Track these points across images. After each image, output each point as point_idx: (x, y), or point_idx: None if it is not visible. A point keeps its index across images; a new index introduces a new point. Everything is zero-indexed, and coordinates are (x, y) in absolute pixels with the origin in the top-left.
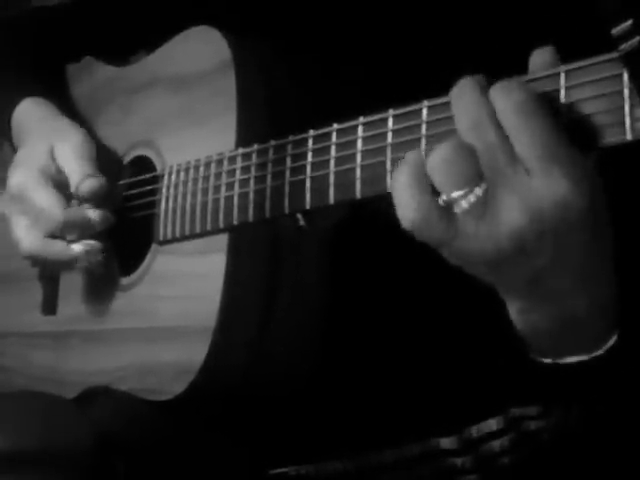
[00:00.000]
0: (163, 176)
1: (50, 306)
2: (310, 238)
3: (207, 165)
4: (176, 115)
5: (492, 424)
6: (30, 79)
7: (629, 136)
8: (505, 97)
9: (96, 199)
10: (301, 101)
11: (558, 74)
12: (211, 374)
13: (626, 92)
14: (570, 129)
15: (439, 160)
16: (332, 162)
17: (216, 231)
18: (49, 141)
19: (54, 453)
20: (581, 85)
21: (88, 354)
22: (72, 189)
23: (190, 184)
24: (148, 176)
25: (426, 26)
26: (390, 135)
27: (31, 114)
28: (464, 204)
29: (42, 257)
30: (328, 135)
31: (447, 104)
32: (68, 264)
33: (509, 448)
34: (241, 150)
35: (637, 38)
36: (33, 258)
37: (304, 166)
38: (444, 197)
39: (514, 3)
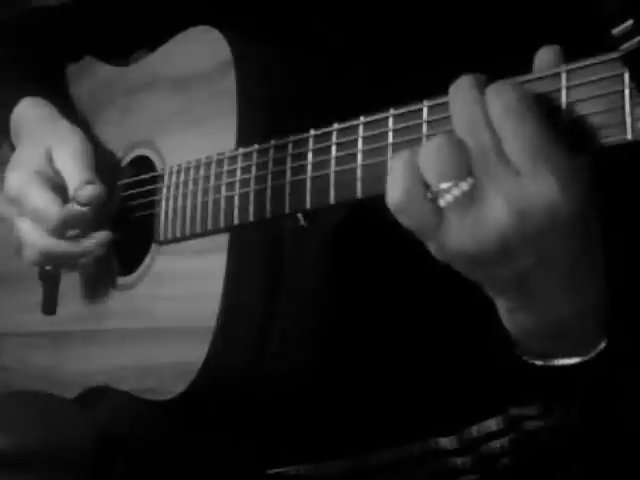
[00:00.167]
0: (163, 176)
1: (50, 306)
2: (311, 238)
3: (207, 165)
4: (176, 115)
5: (492, 424)
6: (30, 79)
7: (630, 136)
8: (496, 98)
9: (94, 205)
10: (301, 101)
11: (559, 74)
12: (211, 374)
13: (627, 92)
14: (570, 129)
15: (430, 149)
16: (333, 162)
17: (217, 231)
18: (47, 143)
19: (54, 453)
20: (582, 85)
21: (88, 354)
22: (70, 194)
23: (190, 184)
24: (148, 176)
25: (426, 27)
26: (391, 135)
27: (29, 114)
28: (448, 197)
29: (46, 256)
30: (329, 135)
31: (447, 104)
32: (75, 260)
33: (509, 448)
34: (242, 150)
35: (638, 38)
36: (40, 257)
37: (305, 166)
38: (432, 188)
39: (516, 3)
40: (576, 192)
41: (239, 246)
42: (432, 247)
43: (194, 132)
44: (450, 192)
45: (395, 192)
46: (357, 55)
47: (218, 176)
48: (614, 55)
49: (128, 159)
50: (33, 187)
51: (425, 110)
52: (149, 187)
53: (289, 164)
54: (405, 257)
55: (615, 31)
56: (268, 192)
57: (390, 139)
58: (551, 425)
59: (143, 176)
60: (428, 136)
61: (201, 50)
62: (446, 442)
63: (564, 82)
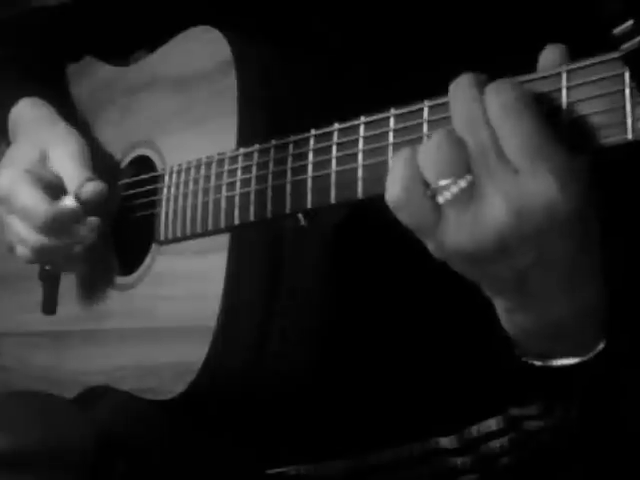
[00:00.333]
0: (164, 176)
1: (50, 305)
2: (311, 238)
3: (208, 165)
4: (177, 115)
5: (492, 424)
6: (30, 79)
7: (630, 136)
8: (495, 96)
9: (97, 203)
10: (302, 101)
11: (559, 74)
12: (211, 374)
13: (627, 92)
14: (570, 129)
15: (429, 147)
16: (333, 162)
17: (217, 231)
18: (43, 144)
19: (54, 453)
20: (582, 85)
21: (88, 354)
22: (71, 194)
23: (191, 184)
24: (148, 176)
25: (427, 27)
26: (391, 135)
27: (27, 114)
28: (447, 194)
29: (40, 252)
30: (329, 135)
31: (448, 104)
32: (68, 253)
33: (509, 448)
34: (242, 150)
35: (638, 38)
36: (31, 254)
37: (305, 166)
38: (431, 185)
39: (517, 3)
40: (575, 192)
41: (239, 246)
42: (430, 245)
43: (194, 132)
44: (449, 189)
45: (394, 189)
46: (357, 55)
47: (219, 176)
48: (615, 55)
49: (128, 159)
50: (23, 185)
51: (426, 110)
52: (149, 187)
53: (290, 164)
54: (405, 257)
55: (616, 31)
56: (269, 192)
57: (391, 139)
58: (551, 425)
59: (143, 176)
60: (429, 136)
61: (201, 50)
62: (446, 442)
63: (564, 82)
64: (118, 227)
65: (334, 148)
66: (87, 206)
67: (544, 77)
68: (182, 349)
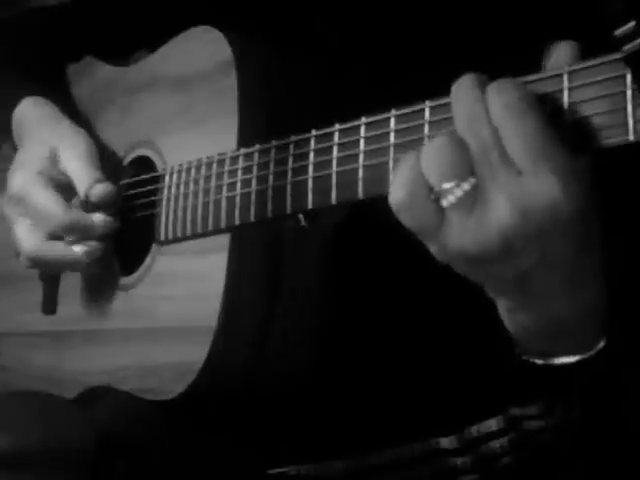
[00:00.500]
0: (164, 176)
1: (50, 305)
2: (312, 238)
3: (208, 165)
4: (177, 115)
5: (492, 424)
6: (30, 79)
7: (632, 137)
8: (497, 95)
9: (106, 204)
10: (302, 101)
11: (561, 75)
12: (212, 374)
13: (629, 93)
14: (572, 130)
15: (432, 149)
16: (334, 162)
17: (218, 231)
18: (51, 144)
19: (54, 453)
20: (584, 86)
21: (88, 354)
22: (81, 194)
23: (191, 184)
24: (149, 176)
25: (427, 27)
26: (392, 135)
27: (31, 113)
28: (451, 197)
29: (43, 258)
30: (330, 135)
31: (449, 104)
32: (68, 265)
33: (509, 448)
34: (243, 150)
35: None
36: (34, 260)
37: (306, 166)
38: (434, 189)
39: (519, 4)
40: (577, 192)
41: (240, 246)
42: (433, 248)
43: (195, 132)
44: (452, 193)
45: (397, 193)
46: (357, 55)
47: (219, 176)
48: (616, 56)
49: (129, 159)
50: (37, 187)
51: (427, 111)
52: (150, 187)
53: (291, 164)
54: (406, 257)
55: (617, 32)
56: (269, 192)
57: (392, 140)
58: (551, 425)
59: (144, 176)
60: (430, 137)
61: (202, 50)
62: (446, 442)
63: (566, 83)
64: (118, 227)
65: (335, 149)
66: (96, 207)
67: (546, 78)
68: (183, 349)
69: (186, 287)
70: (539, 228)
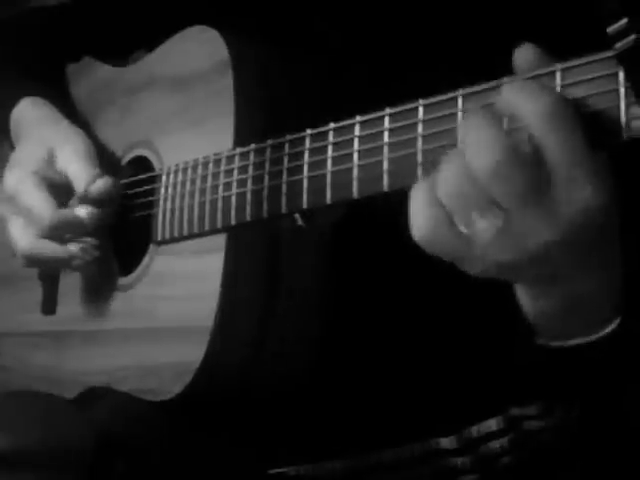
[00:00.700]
0: (161, 176)
1: (50, 305)
2: (308, 237)
3: (205, 165)
4: (175, 115)
5: (492, 424)
6: (30, 79)
7: (625, 135)
8: (533, 103)
9: (108, 200)
10: (300, 101)
11: (554, 72)
12: (210, 374)
13: (622, 91)
14: None
15: (450, 192)
16: (329, 161)
17: (214, 231)
18: (49, 144)
19: (54, 453)
20: (577, 84)
21: (88, 354)
22: (80, 191)
23: (188, 184)
24: (146, 176)
25: (426, 27)
26: (387, 134)
27: (29, 114)
28: (485, 234)
29: (38, 257)
30: (325, 134)
31: (443, 102)
32: (64, 263)
33: (509, 448)
34: (239, 150)
35: (632, 36)
36: (29, 258)
37: (301, 165)
38: (462, 229)
39: (514, 3)
40: (604, 189)
41: (237, 246)
42: (465, 267)
43: (192, 132)
44: (486, 231)
45: (421, 231)
46: (357, 55)
47: (215, 176)
48: (609, 54)
49: (127, 159)
50: (29, 187)
51: (421, 109)
52: (147, 187)
53: (286, 164)
54: (404, 257)
55: (610, 29)
56: (265, 192)
57: (386, 138)
58: (551, 425)
59: (141, 176)
60: (424, 136)
61: (199, 50)
62: (446, 442)
63: (559, 81)
64: (116, 227)
65: (330, 148)
66: (98, 203)
67: (539, 76)
68: (181, 349)
69: (184, 287)
70: (576, 234)
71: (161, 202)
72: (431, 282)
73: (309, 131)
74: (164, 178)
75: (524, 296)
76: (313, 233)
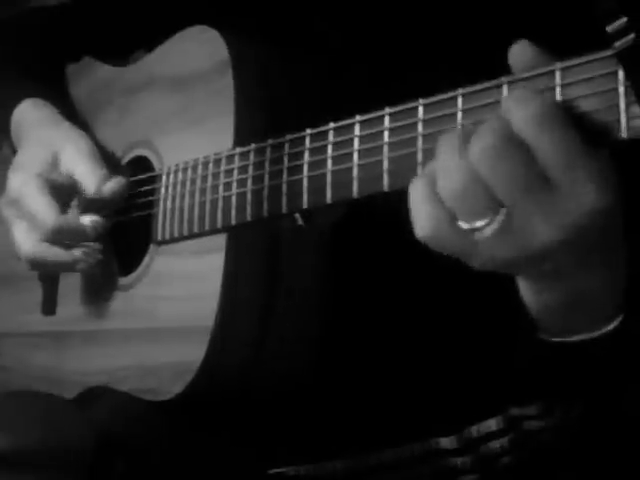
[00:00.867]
0: (161, 176)
1: (50, 306)
2: (308, 237)
3: (205, 165)
4: (175, 115)
5: (492, 424)
6: (30, 79)
7: (624, 134)
8: (523, 108)
9: (119, 200)
10: (300, 101)
11: (553, 72)
12: (210, 374)
13: (621, 90)
14: None
15: (450, 190)
16: (329, 161)
17: (214, 231)
18: (52, 146)
19: (54, 453)
20: (577, 83)
21: (88, 354)
22: (90, 192)
23: (188, 184)
24: (146, 176)
25: (426, 27)
26: (387, 133)
27: (30, 115)
28: (486, 231)
29: (41, 260)
30: (325, 134)
31: (443, 102)
32: (68, 267)
33: (509, 448)
34: (239, 149)
35: (632, 35)
36: (32, 262)
37: (301, 165)
38: (464, 225)
39: (513, 3)
40: (608, 190)
41: (237, 246)
42: (471, 263)
43: (192, 132)
44: (486, 228)
45: (424, 231)
46: (357, 55)
47: (215, 176)
48: (608, 53)
49: (127, 159)
50: (32, 190)
51: (421, 109)
52: (147, 187)
53: (286, 163)
54: (404, 256)
55: (609, 28)
56: (265, 192)
57: (386, 138)
58: (551, 425)
59: (141, 176)
60: (424, 135)
61: (198, 50)
62: (446, 442)
63: (558, 80)
64: (116, 227)
65: (329, 147)
66: (109, 204)
67: (538, 75)
68: (181, 349)
69: (184, 287)
70: (579, 235)
71: (161, 202)
72: (431, 282)
73: (309, 131)
74: (164, 178)
75: (527, 290)
76: (313, 233)
